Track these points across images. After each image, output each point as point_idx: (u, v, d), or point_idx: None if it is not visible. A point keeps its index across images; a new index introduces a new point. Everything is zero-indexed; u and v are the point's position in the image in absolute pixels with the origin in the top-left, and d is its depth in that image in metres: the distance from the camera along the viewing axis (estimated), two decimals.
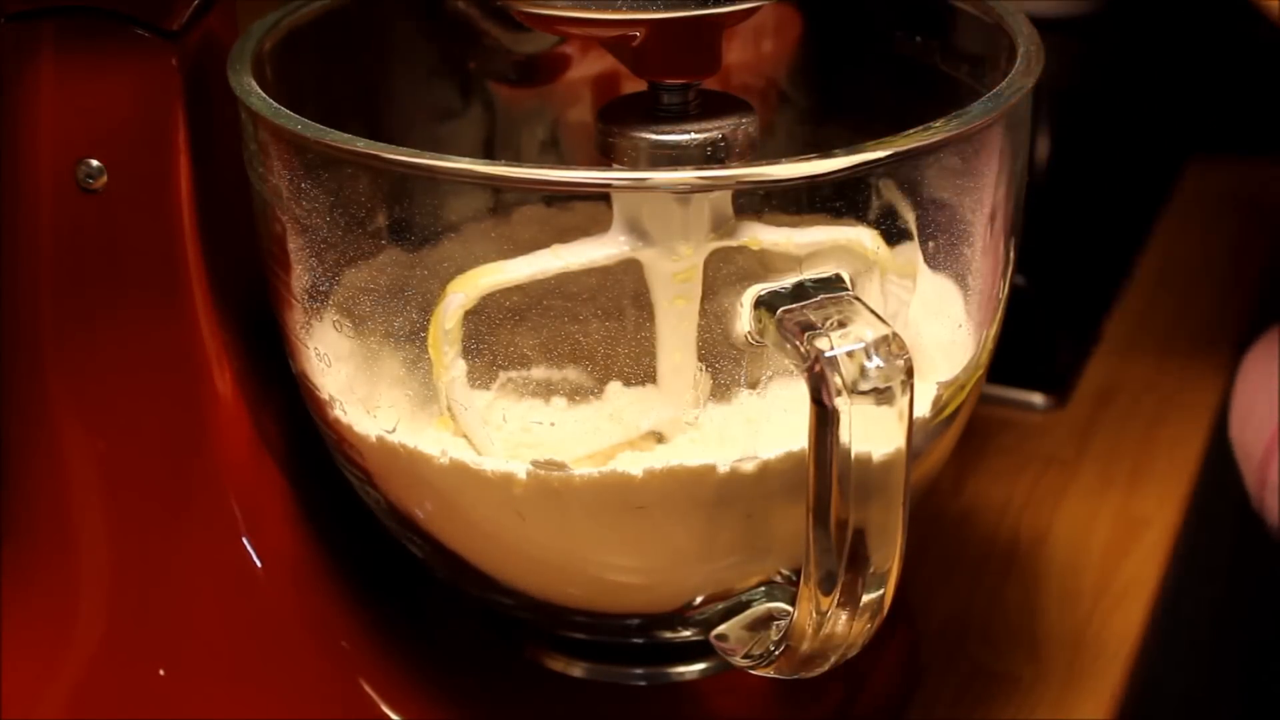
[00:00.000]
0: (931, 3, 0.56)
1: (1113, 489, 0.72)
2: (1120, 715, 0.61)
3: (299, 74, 0.53)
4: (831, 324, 0.42)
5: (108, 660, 0.52)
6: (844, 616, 0.44)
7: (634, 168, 0.48)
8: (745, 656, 0.48)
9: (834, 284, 0.45)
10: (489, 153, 0.62)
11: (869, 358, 0.41)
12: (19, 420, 0.52)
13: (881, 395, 0.41)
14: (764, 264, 0.46)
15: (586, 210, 0.54)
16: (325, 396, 0.50)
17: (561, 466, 0.46)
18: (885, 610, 0.44)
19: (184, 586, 0.53)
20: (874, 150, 0.44)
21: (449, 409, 0.47)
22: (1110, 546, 0.68)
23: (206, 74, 0.51)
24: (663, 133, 0.47)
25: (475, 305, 0.46)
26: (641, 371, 0.47)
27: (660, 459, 0.47)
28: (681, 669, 0.55)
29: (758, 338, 0.45)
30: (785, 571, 0.49)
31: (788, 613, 0.46)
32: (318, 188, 0.48)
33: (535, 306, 0.48)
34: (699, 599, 0.50)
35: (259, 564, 0.53)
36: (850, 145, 0.44)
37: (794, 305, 0.44)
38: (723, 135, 0.48)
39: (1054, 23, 1.07)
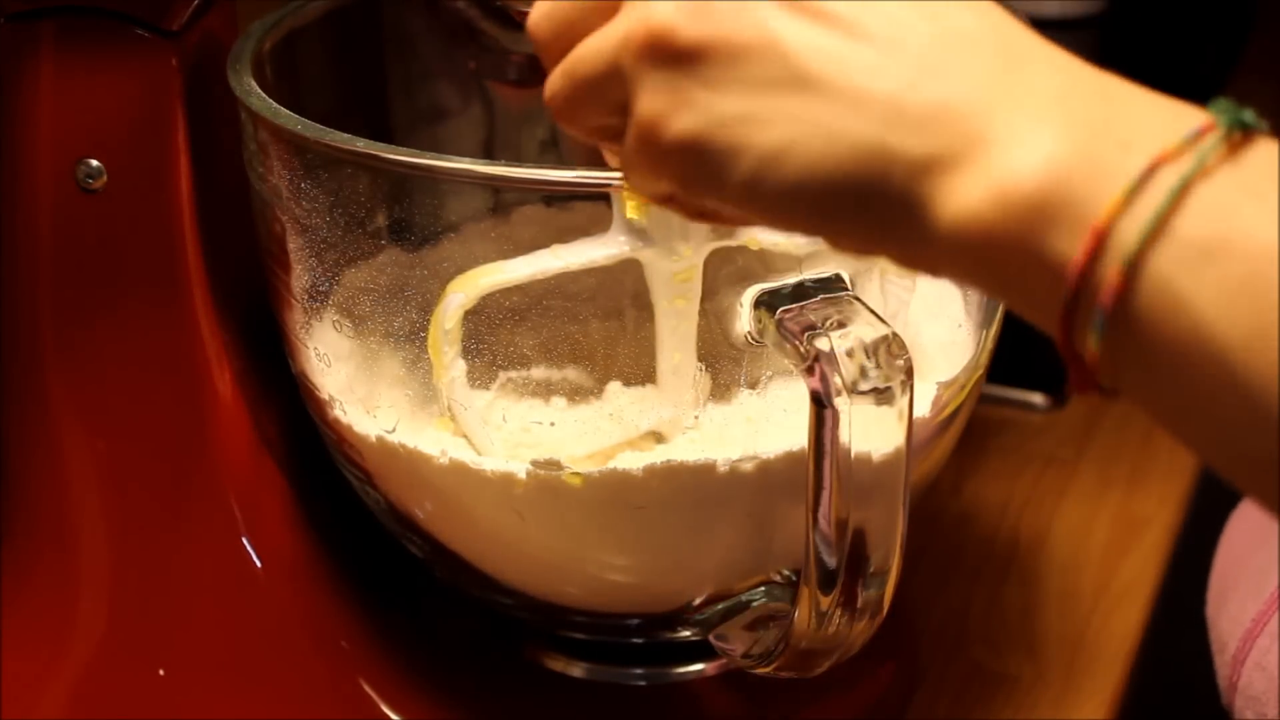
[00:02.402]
0: None
1: (1112, 489, 0.72)
2: (1120, 715, 0.61)
3: (299, 74, 0.53)
4: (831, 324, 0.42)
5: (108, 660, 0.52)
6: (844, 616, 0.44)
7: None
8: (745, 656, 0.48)
9: (834, 284, 0.44)
10: (489, 153, 0.62)
11: (869, 358, 0.41)
12: (19, 420, 0.52)
13: (881, 395, 0.41)
14: (764, 264, 0.46)
15: (586, 210, 0.54)
16: (325, 396, 0.50)
17: (561, 466, 0.46)
18: (885, 610, 0.44)
19: (184, 586, 0.53)
20: None
21: (449, 409, 0.47)
22: (1110, 546, 0.68)
23: (206, 74, 0.51)
24: None
25: (475, 305, 0.46)
26: (641, 371, 0.47)
27: (660, 458, 0.47)
28: (681, 669, 0.55)
29: (758, 338, 0.45)
30: (785, 571, 0.49)
31: (788, 613, 0.46)
32: (318, 188, 0.48)
33: (535, 306, 0.48)
34: (699, 599, 0.50)
35: (259, 564, 0.53)
36: None
37: (794, 305, 0.44)
38: None
39: (1055, 23, 1.08)
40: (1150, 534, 0.69)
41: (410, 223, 0.50)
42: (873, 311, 0.43)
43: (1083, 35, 1.14)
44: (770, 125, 0.34)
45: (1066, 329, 0.32)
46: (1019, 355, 0.63)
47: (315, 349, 0.50)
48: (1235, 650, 0.54)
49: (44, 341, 0.51)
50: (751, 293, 0.45)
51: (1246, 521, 0.59)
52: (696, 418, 0.47)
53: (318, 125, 0.46)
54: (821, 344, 0.42)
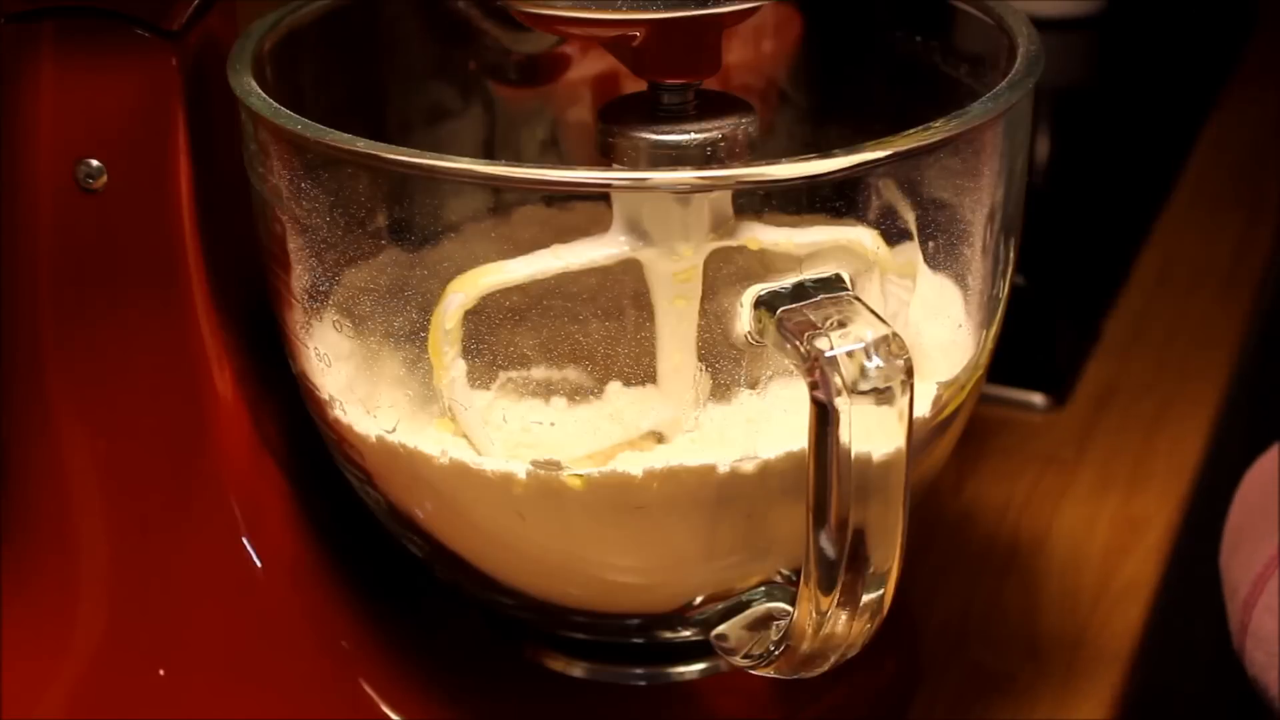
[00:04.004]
0: (931, 3, 0.56)
1: (1113, 489, 0.72)
2: (1120, 715, 0.61)
3: (299, 74, 0.53)
4: (831, 324, 0.42)
5: (108, 660, 0.52)
6: (844, 616, 0.44)
7: (634, 168, 0.48)
8: (745, 656, 0.48)
9: (834, 284, 0.45)
10: (489, 153, 0.62)
11: (869, 358, 0.41)
12: (19, 420, 0.52)
13: (881, 395, 0.41)
14: (764, 264, 0.46)
15: (586, 210, 0.54)
16: (325, 396, 0.50)
17: (561, 467, 0.46)
18: (885, 610, 0.44)
19: (184, 586, 0.53)
20: (874, 150, 0.44)
21: (449, 409, 0.47)
22: (1110, 546, 0.68)
23: (206, 74, 0.51)
24: (663, 133, 0.47)
25: (475, 305, 0.46)
26: (641, 371, 0.47)
27: (660, 459, 0.47)
28: (681, 669, 0.55)
29: (758, 338, 0.45)
30: (785, 571, 0.49)
31: (788, 613, 0.46)
32: (318, 188, 0.48)
33: (535, 306, 0.48)
34: (699, 599, 0.50)
35: (259, 564, 0.53)
36: (850, 145, 0.44)
37: (794, 305, 0.44)
38: (723, 135, 0.48)
39: (1054, 23, 1.08)
40: (1150, 534, 0.69)
41: (410, 223, 0.50)
42: (873, 311, 0.43)
43: (1083, 35, 1.14)
44: None
45: None
46: (1019, 355, 0.63)
47: (315, 349, 0.50)
48: (1246, 595, 0.55)
49: (44, 341, 0.51)
50: (751, 293, 0.45)
51: (1262, 475, 0.60)
52: (697, 418, 0.47)
53: (318, 125, 0.46)
54: (821, 344, 0.42)
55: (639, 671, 0.55)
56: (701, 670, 0.55)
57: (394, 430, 0.49)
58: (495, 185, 0.53)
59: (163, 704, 0.52)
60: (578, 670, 0.56)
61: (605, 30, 0.47)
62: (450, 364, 0.47)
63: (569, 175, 0.47)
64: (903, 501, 0.43)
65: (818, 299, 0.44)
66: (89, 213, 0.50)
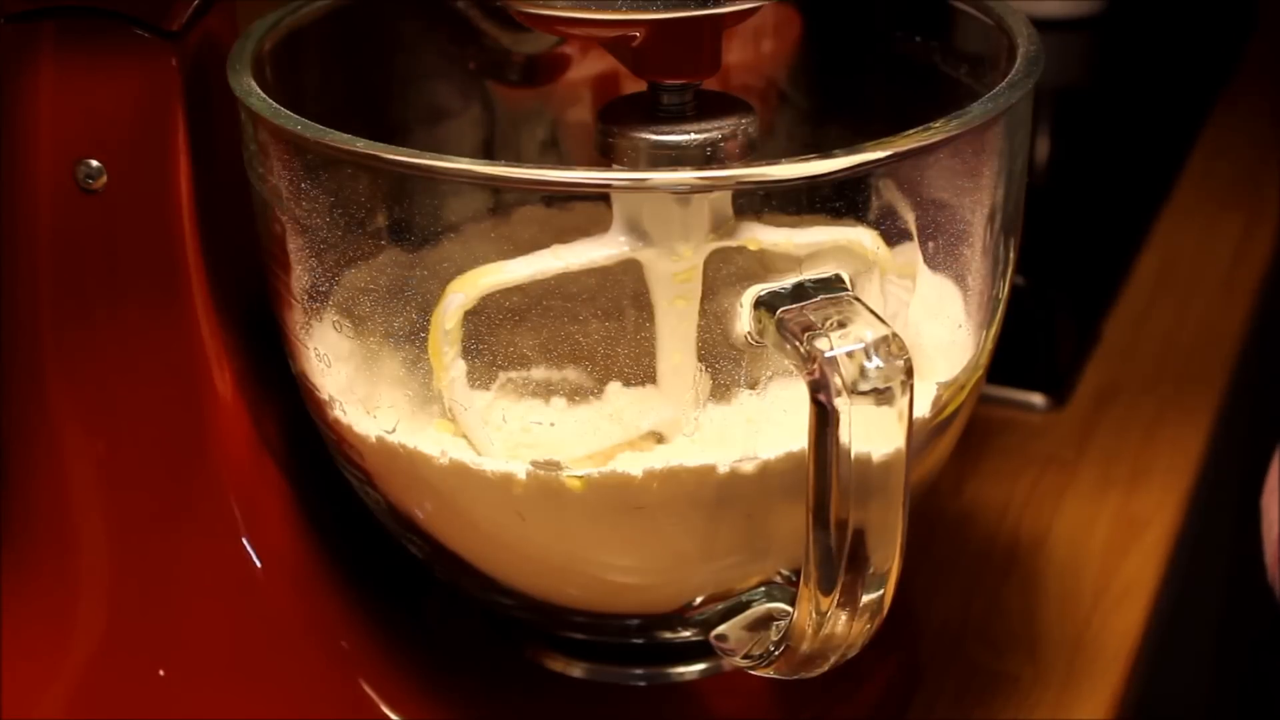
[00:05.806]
0: (931, 3, 0.56)
1: (1113, 489, 0.72)
2: (1120, 715, 0.61)
3: (299, 74, 0.53)
4: (831, 324, 0.42)
5: (108, 660, 0.52)
6: (844, 617, 0.44)
7: (634, 168, 0.48)
8: (745, 656, 0.48)
9: (834, 284, 0.45)
10: (489, 153, 0.62)
11: (869, 358, 0.41)
12: (19, 420, 0.52)
13: (881, 395, 0.41)
14: (764, 264, 0.46)
15: (586, 210, 0.54)
16: (325, 397, 0.50)
17: (561, 467, 0.46)
18: (885, 610, 0.44)
19: (184, 586, 0.53)
20: (874, 150, 0.44)
21: (449, 409, 0.47)
22: (1110, 546, 0.68)
23: (206, 74, 0.51)
24: (662, 133, 0.47)
25: (475, 305, 0.46)
26: (641, 372, 0.47)
27: (660, 459, 0.47)
28: (681, 669, 0.55)
29: (758, 338, 0.45)
30: (785, 571, 0.49)
31: (788, 613, 0.46)
32: (318, 188, 0.48)
33: (535, 306, 0.48)
34: (699, 599, 0.50)
35: (259, 564, 0.53)
36: (850, 145, 0.44)
37: (794, 305, 0.44)
38: (722, 135, 0.48)
39: (1054, 23, 1.08)
40: (1150, 534, 0.69)
41: (410, 223, 0.50)
42: (873, 311, 0.43)
43: (1083, 35, 1.14)
44: None
45: None
46: (1019, 355, 0.63)
47: (315, 349, 0.50)
48: None
49: (44, 341, 0.51)
50: (751, 293, 0.45)
51: None
52: (696, 418, 0.47)
53: (318, 125, 0.46)
54: (821, 344, 0.42)
55: (639, 671, 0.55)
56: (701, 670, 0.55)
57: (394, 430, 0.49)
58: (495, 185, 0.53)
59: (163, 704, 0.52)
60: (578, 670, 0.56)
61: (605, 30, 0.47)
62: (450, 364, 0.47)
63: (569, 175, 0.47)
64: (903, 501, 0.43)
65: (817, 299, 0.44)
66: (89, 213, 0.50)
